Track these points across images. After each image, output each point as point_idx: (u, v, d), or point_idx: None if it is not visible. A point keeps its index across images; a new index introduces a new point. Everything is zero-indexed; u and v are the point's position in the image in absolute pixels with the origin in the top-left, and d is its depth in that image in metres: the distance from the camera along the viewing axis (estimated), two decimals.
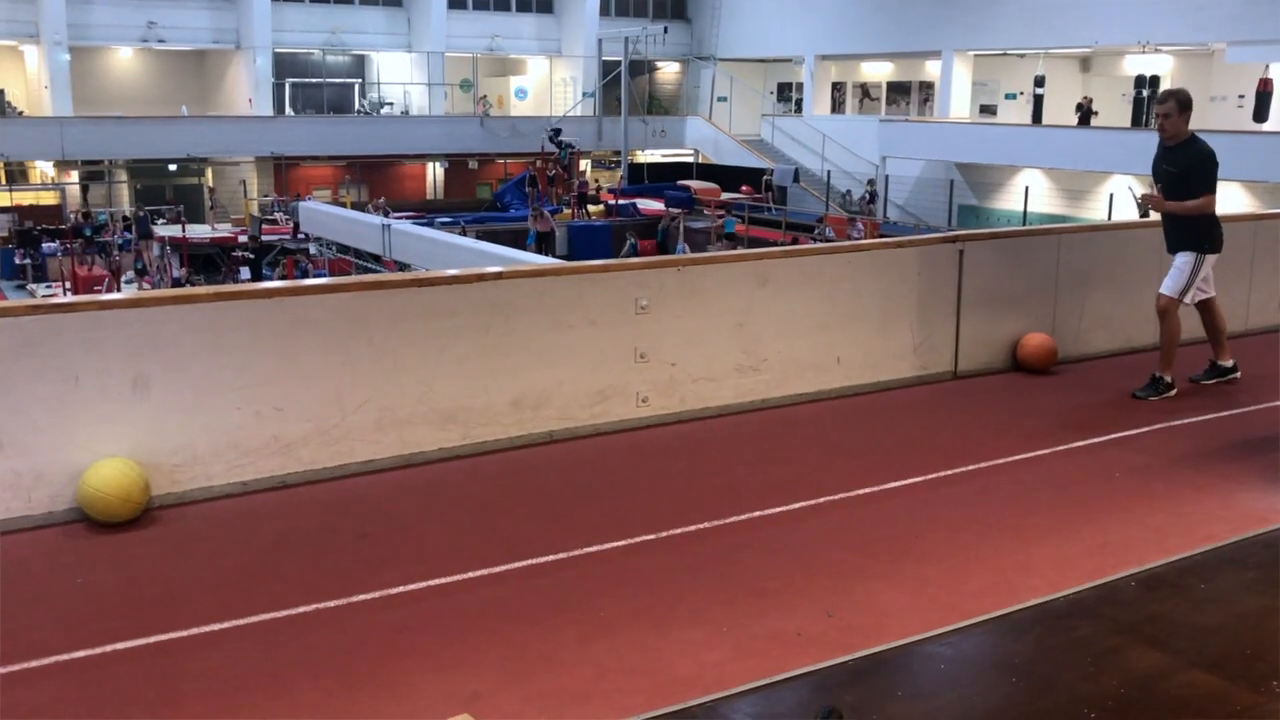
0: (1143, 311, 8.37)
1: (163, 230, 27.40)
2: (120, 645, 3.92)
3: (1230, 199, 24.53)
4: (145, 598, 4.31)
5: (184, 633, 4.01)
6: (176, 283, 23.24)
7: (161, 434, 5.18)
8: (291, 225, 27.04)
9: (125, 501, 4.91)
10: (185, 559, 4.70)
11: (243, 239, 26.99)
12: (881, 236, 22.64)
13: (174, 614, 4.14)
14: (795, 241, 22.82)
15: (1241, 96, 26.70)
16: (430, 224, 23.56)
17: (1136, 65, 29.22)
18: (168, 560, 4.68)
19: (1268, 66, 25.35)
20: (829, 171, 33.11)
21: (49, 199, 31.52)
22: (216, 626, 4.06)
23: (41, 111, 32.44)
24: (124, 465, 4.97)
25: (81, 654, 3.86)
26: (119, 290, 21.64)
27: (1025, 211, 27.97)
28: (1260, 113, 25.32)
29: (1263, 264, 8.96)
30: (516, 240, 23.54)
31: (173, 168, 33.52)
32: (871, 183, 31.13)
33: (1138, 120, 28.46)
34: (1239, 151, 23.50)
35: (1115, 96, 29.65)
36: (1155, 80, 28.84)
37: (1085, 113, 29.47)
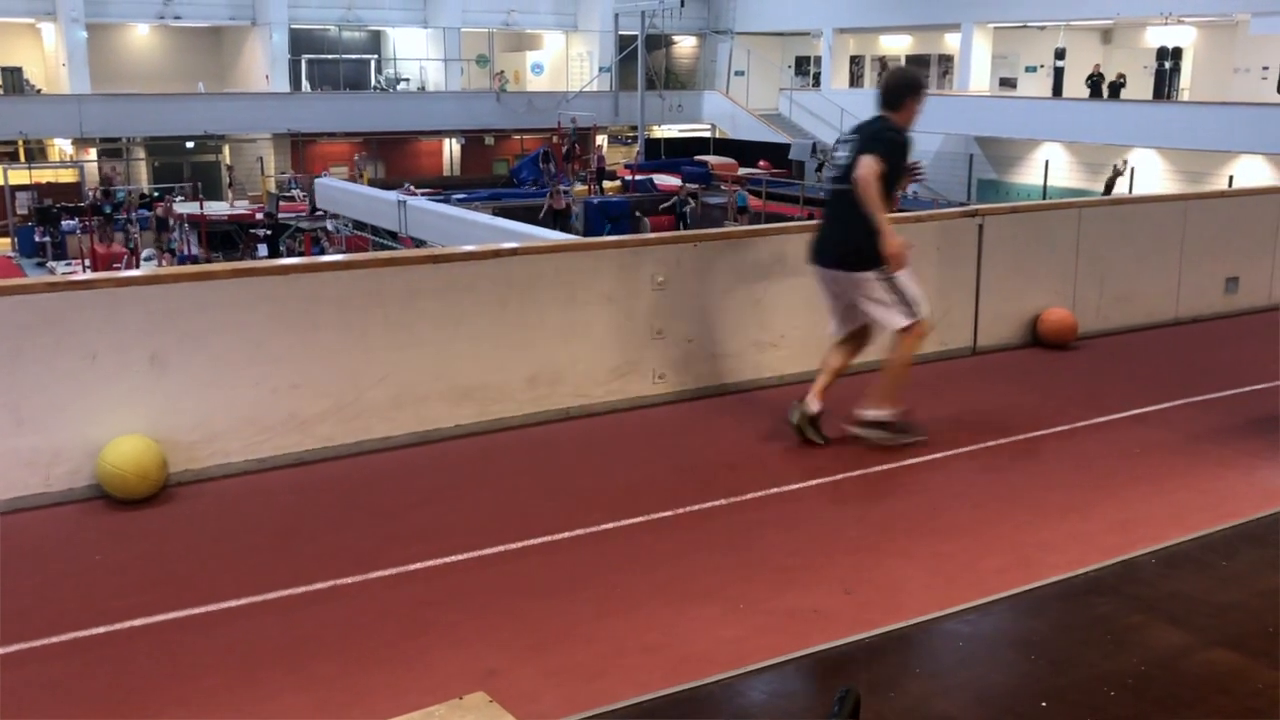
0: (1163, 286, 8.31)
1: (181, 207, 27.45)
2: (139, 621, 3.94)
3: (1255, 172, 24.30)
4: (163, 574, 4.33)
5: (202, 608, 4.03)
6: (194, 260, 23.30)
7: (179, 411, 5.19)
8: (308, 202, 27.05)
9: (143, 478, 4.93)
10: (203, 535, 4.71)
11: (260, 216, 27.03)
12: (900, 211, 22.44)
13: (192, 590, 4.15)
14: (811, 216, 22.69)
15: (1265, 68, 26.32)
16: (446, 200, 23.54)
17: (1159, 37, 28.85)
18: (186, 537, 4.70)
19: None
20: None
21: (67, 177, 31.60)
22: (234, 602, 4.07)
23: (59, 89, 32.47)
24: (142, 442, 4.98)
25: (101, 630, 3.88)
26: (138, 267, 21.72)
27: (1045, 186, 27.73)
28: None
29: None
30: (532, 216, 23.49)
31: (190, 145, 33.54)
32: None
33: (1159, 93, 28.12)
34: (1263, 124, 23.28)
35: (1137, 69, 29.28)
36: (1178, 52, 28.48)
37: (1096, 83, 29.11)
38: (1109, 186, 26.46)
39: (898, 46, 36.62)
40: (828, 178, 5.67)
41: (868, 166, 5.17)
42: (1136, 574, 4.32)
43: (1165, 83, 28.24)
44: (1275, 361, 7.20)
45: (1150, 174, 26.65)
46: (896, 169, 5.36)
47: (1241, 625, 3.95)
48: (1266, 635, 3.88)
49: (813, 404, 5.62)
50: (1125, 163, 26.67)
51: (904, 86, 5.51)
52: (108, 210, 26.76)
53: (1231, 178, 24.07)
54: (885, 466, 5.43)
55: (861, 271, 5.42)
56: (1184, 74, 28.85)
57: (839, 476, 5.32)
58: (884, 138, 5.34)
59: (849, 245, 5.40)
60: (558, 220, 24.50)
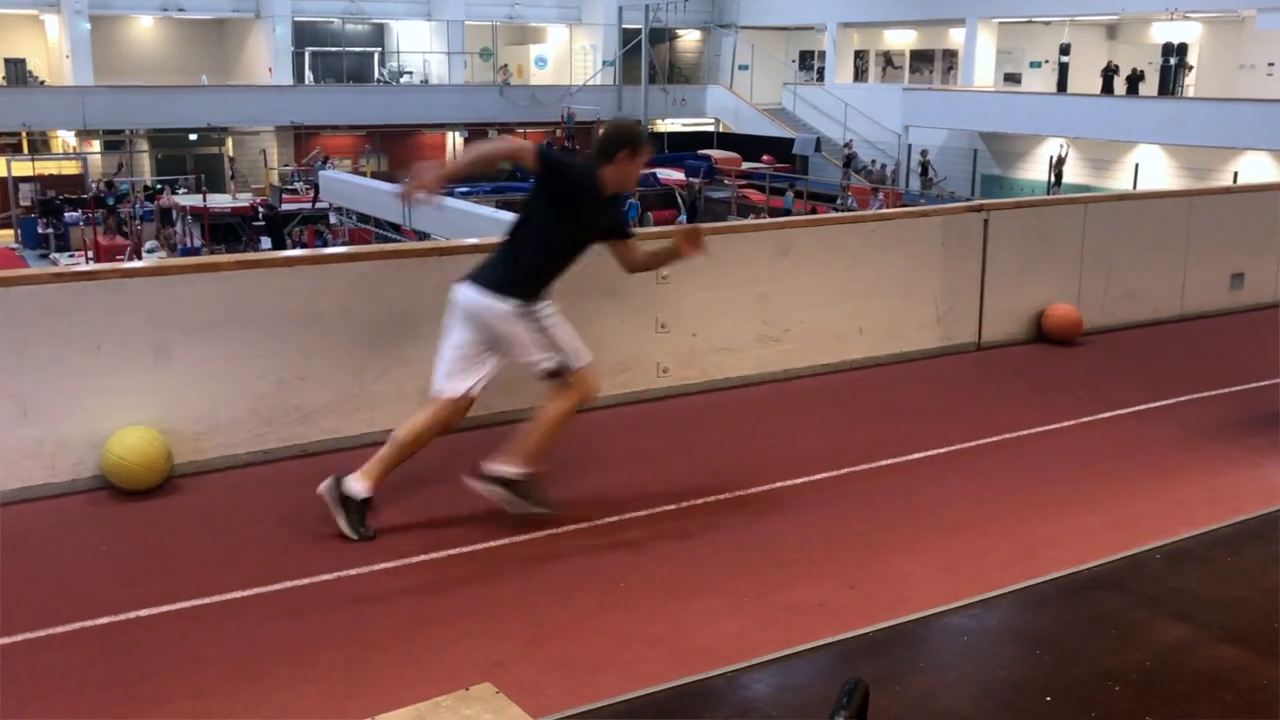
0: (1168, 282, 8.30)
1: (184, 200, 27.43)
2: (144, 612, 3.94)
3: (1260, 168, 24.24)
4: (168, 565, 4.33)
5: (206, 600, 4.03)
6: (195, 252, 23.28)
7: (184, 402, 5.19)
8: (312, 191, 27.01)
9: (148, 469, 4.93)
10: (207, 527, 4.72)
11: (262, 210, 27.00)
12: (904, 206, 22.39)
13: (196, 581, 4.16)
14: (814, 211, 22.66)
15: (1271, 64, 26.26)
16: (450, 193, 23.51)
17: (1164, 33, 28.77)
18: (190, 528, 4.70)
19: None
20: (850, 140, 32.83)
21: (71, 168, 31.58)
22: (238, 594, 4.08)
23: (63, 81, 32.46)
24: (147, 433, 4.98)
25: (105, 620, 3.88)
26: (141, 259, 21.71)
27: (1049, 181, 27.68)
28: None
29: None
30: None
31: (193, 137, 33.51)
32: (925, 152, 30.44)
33: (1165, 89, 28.06)
34: (1268, 120, 23.20)
35: (1143, 65, 29.20)
36: (1183, 48, 28.39)
37: (1110, 77, 29.05)
38: (1059, 175, 26.85)
39: (902, 41, 36.55)
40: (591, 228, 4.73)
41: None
42: (1141, 569, 4.32)
43: (1171, 78, 28.17)
44: (1274, 358, 7.19)
45: (1156, 170, 26.60)
46: (569, 200, 4.54)
47: (1245, 621, 3.94)
48: (1271, 631, 3.88)
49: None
50: (1063, 146, 27.07)
51: (618, 139, 4.66)
52: (110, 202, 26.75)
53: (1237, 174, 24.02)
54: (889, 461, 5.43)
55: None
56: (1190, 70, 28.78)
57: (843, 471, 5.31)
58: (576, 167, 4.64)
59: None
60: None
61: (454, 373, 4.61)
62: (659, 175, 29.76)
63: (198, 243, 24.54)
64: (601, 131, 4.88)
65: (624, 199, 4.28)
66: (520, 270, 4.56)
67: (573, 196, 4.55)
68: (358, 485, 4.55)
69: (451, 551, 4.43)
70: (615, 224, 4.90)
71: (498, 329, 4.55)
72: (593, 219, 4.67)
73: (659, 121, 36.22)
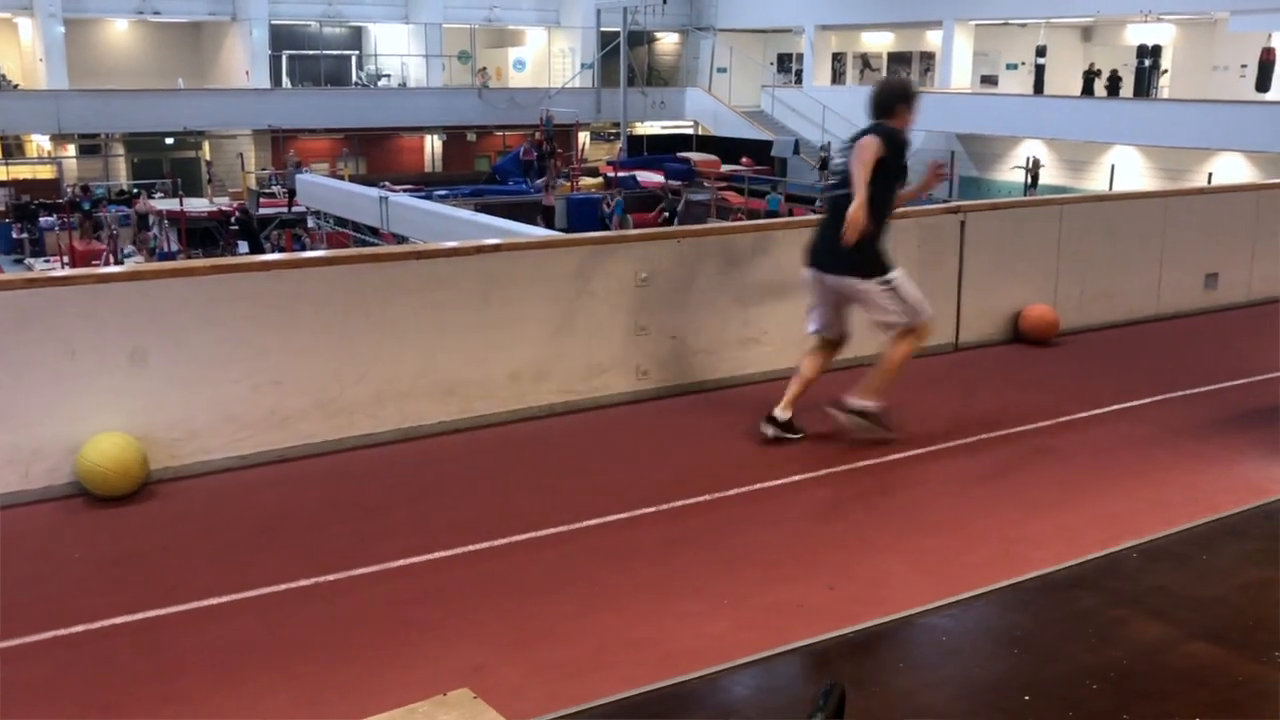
0: (1144, 283, 8.36)
1: (161, 204, 27.28)
2: (119, 620, 3.91)
3: (1234, 169, 24.44)
4: (144, 571, 4.30)
5: (183, 606, 4.00)
6: (173, 257, 23.14)
7: (159, 408, 5.15)
8: (288, 192, 26.89)
9: (123, 476, 4.89)
10: (184, 533, 4.68)
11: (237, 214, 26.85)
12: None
13: (173, 588, 4.13)
14: (791, 213, 22.67)
15: (1244, 66, 26.47)
16: (428, 197, 23.45)
17: (1139, 35, 28.99)
18: (166, 534, 4.67)
19: (1270, 36, 25.14)
20: (829, 143, 32.92)
21: (45, 173, 31.35)
22: (216, 600, 4.05)
23: (37, 84, 32.21)
24: (122, 439, 4.95)
25: (80, 628, 3.85)
26: (117, 264, 21.56)
27: (1026, 182, 27.83)
28: (1263, 82, 25.10)
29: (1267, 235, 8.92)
30: (516, 213, 23.44)
31: (170, 141, 33.31)
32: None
33: (1140, 90, 28.28)
34: (1241, 122, 23.41)
35: (1118, 66, 29.42)
36: (1157, 50, 28.62)
37: (1091, 79, 29.26)
38: (1035, 178, 27.12)
39: (880, 44, 36.69)
40: (827, 185, 5.76)
41: (866, 144, 5.26)
42: (1119, 568, 4.34)
43: (1145, 80, 28.39)
44: (1254, 356, 7.25)
45: (1131, 171, 26.80)
46: (894, 163, 5.39)
47: (1222, 618, 3.97)
48: (1246, 628, 3.91)
49: (782, 414, 5.66)
50: (1030, 159, 27.75)
51: (894, 94, 5.58)
52: (86, 207, 26.57)
53: (1211, 175, 24.21)
54: (868, 462, 5.44)
55: (864, 280, 5.45)
56: (1164, 72, 29.02)
57: (822, 472, 5.32)
58: (881, 130, 5.38)
59: (850, 252, 5.30)
60: (544, 216, 24.52)
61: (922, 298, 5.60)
62: (638, 178, 29.80)
63: (175, 247, 24.41)
64: (874, 93, 5.57)
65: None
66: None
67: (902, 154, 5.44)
68: (862, 403, 5.56)
69: (430, 556, 4.41)
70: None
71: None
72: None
73: (638, 124, 36.25)
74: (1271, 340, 7.65)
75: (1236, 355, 7.29)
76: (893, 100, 5.52)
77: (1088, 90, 28.97)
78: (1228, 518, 4.80)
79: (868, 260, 5.43)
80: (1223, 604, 4.09)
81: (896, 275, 5.52)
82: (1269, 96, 24.67)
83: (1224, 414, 6.21)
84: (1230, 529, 4.71)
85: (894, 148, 5.37)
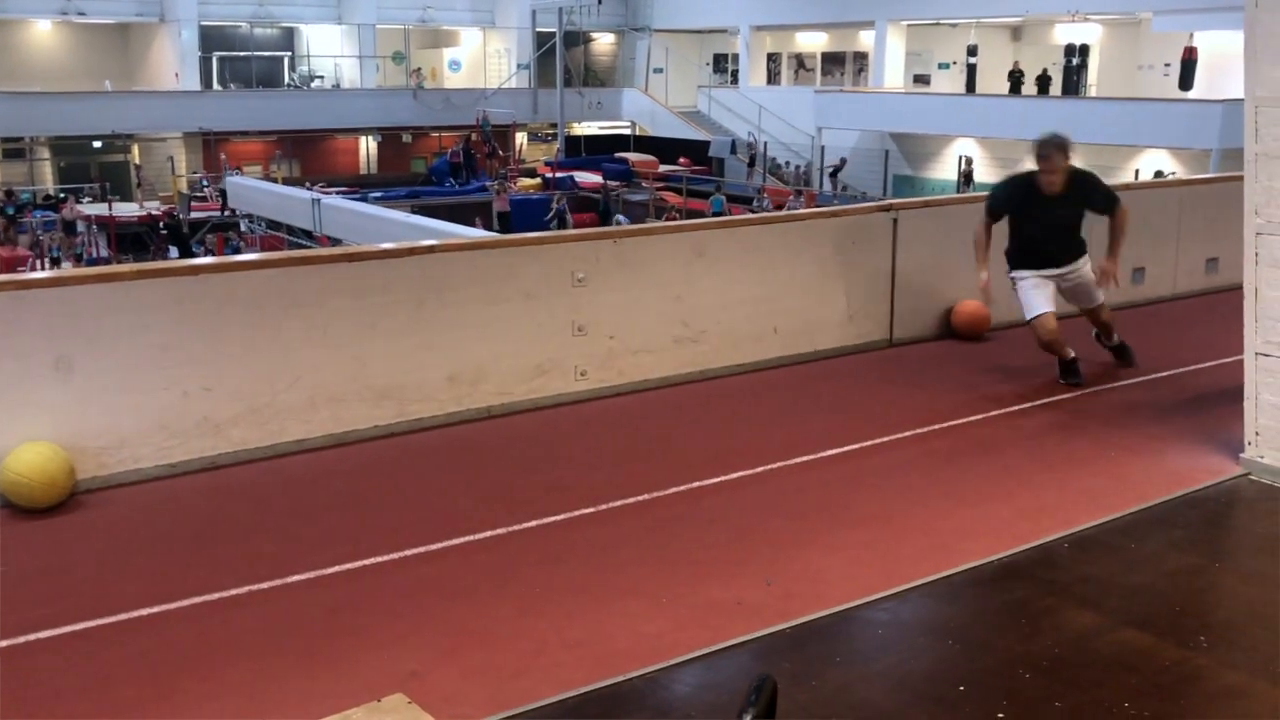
0: None
1: (89, 209, 26.74)
2: (46, 633, 3.82)
3: (1159, 165, 24.99)
4: (71, 584, 4.21)
5: (113, 618, 3.92)
6: (103, 262, 22.71)
7: (86, 416, 5.05)
8: (221, 200, 26.53)
9: (49, 486, 4.79)
10: (113, 543, 4.59)
11: (166, 219, 26.41)
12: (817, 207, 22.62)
13: (102, 600, 4.04)
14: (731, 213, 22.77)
15: (1168, 65, 27.09)
16: (363, 199, 23.25)
17: (1067, 34, 29.54)
18: (95, 545, 4.57)
19: (1192, 35, 25.75)
20: (765, 143, 33.13)
21: None
22: (146, 611, 3.97)
23: None
24: (47, 449, 4.84)
25: (5, 643, 3.76)
26: (46, 270, 21.10)
27: (959, 181, 28.22)
28: (1185, 81, 25.72)
29: (1189, 229, 9.12)
30: (452, 214, 23.31)
31: (97, 144, 32.65)
32: (843, 162, 30.79)
33: (1067, 89, 28.80)
34: (1166, 119, 23.93)
35: (1047, 65, 29.94)
36: (1085, 49, 29.18)
37: (1018, 80, 29.76)
38: (968, 177, 27.72)
39: (814, 44, 37.00)
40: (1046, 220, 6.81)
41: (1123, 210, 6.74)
42: (1050, 558, 4.42)
43: (1073, 79, 28.92)
44: (1177, 350, 7.42)
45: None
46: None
47: (1149, 606, 4.06)
48: (1173, 614, 4.00)
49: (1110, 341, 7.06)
50: (963, 159, 28.45)
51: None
52: (10, 212, 25.96)
53: (1138, 171, 24.73)
54: (804, 459, 5.48)
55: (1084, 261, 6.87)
56: (1090, 70, 29.59)
57: (760, 469, 5.35)
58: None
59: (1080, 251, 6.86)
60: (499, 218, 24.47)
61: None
62: (576, 178, 29.78)
63: (104, 253, 23.96)
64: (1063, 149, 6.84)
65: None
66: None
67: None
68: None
69: (366, 562, 4.37)
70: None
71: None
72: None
73: (575, 125, 36.21)
74: (1195, 333, 7.83)
75: (1160, 348, 7.44)
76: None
77: (1014, 91, 29.45)
78: (1154, 506, 4.91)
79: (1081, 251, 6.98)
80: (1150, 591, 4.18)
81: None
82: (1191, 94, 25.27)
83: (1150, 405, 6.35)
84: (1157, 518, 4.82)
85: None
